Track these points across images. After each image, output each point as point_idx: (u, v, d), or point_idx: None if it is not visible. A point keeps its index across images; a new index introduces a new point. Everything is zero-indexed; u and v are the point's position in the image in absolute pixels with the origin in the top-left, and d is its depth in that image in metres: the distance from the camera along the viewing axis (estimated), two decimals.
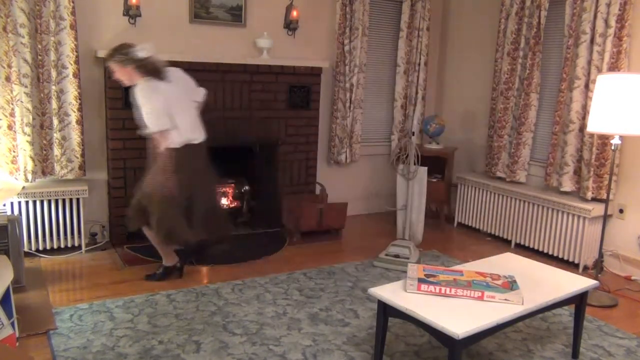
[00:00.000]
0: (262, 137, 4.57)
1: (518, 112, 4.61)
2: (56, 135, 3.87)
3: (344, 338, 2.89)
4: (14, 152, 3.74)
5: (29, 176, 3.79)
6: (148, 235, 3.49)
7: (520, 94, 4.60)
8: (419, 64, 5.33)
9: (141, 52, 3.26)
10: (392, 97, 5.41)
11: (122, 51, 3.27)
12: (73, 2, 3.77)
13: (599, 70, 3.93)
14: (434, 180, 4.99)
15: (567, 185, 4.22)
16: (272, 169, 4.68)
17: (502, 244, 4.64)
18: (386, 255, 4.01)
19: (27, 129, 3.72)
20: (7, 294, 2.56)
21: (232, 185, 4.76)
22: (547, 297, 2.47)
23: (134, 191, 3.50)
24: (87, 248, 4.02)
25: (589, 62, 4.02)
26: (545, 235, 4.31)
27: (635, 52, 3.89)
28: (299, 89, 4.65)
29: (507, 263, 2.92)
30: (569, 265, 4.11)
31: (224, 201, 4.69)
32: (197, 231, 3.46)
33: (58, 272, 3.64)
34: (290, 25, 4.70)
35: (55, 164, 3.92)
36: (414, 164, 4.10)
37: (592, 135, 3.98)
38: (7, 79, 3.64)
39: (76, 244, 3.97)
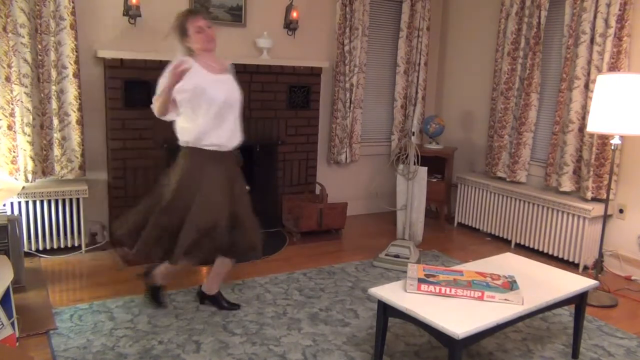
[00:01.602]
0: (262, 137, 4.57)
1: (518, 112, 4.60)
2: (56, 135, 3.87)
3: (344, 338, 2.89)
4: (14, 152, 3.74)
5: (29, 176, 3.79)
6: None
7: (520, 93, 4.60)
8: (419, 64, 5.33)
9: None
10: (392, 97, 5.41)
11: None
12: (73, 2, 3.77)
13: (599, 70, 3.93)
14: (434, 180, 4.99)
15: (567, 185, 4.22)
16: (272, 169, 4.68)
17: (502, 244, 4.64)
18: (386, 255, 4.00)
19: (27, 129, 3.72)
20: (7, 294, 2.56)
21: None
22: (547, 297, 2.47)
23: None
24: (87, 248, 4.02)
25: (589, 62, 4.02)
26: (545, 235, 4.31)
27: (635, 52, 3.89)
28: (299, 89, 4.65)
29: (507, 263, 2.92)
30: (569, 265, 4.11)
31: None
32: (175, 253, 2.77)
33: (58, 272, 3.64)
34: (290, 25, 4.70)
35: (55, 164, 3.92)
36: (414, 164, 4.10)
37: (592, 135, 3.99)
38: (7, 79, 3.63)
39: (76, 244, 3.97)
